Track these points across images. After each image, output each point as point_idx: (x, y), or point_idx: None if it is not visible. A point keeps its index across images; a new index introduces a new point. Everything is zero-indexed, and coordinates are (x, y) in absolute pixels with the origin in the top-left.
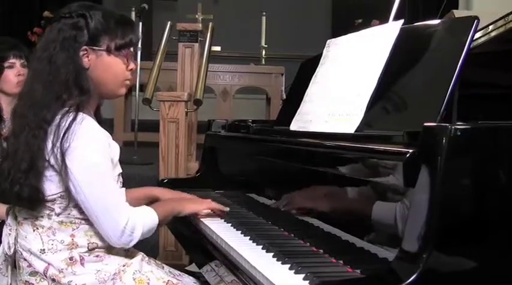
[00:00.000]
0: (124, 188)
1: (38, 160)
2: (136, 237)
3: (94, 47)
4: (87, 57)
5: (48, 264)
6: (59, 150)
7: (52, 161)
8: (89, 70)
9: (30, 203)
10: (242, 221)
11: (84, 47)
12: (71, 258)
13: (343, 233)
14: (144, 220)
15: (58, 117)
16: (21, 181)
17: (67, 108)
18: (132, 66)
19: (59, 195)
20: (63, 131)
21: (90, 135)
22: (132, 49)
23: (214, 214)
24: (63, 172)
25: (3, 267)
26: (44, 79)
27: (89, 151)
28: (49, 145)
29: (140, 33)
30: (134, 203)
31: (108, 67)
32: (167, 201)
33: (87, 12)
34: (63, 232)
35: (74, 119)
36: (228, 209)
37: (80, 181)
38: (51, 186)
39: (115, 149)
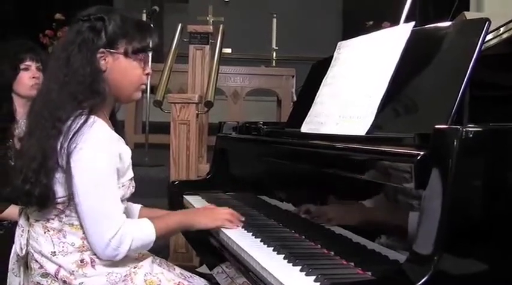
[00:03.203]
0: (140, 205)
1: (49, 160)
2: (123, 252)
3: (111, 50)
4: (105, 59)
5: (59, 266)
6: (65, 151)
7: (60, 162)
8: (106, 73)
9: (40, 202)
10: (253, 223)
11: (102, 50)
12: (81, 261)
13: (354, 235)
14: (135, 235)
15: (71, 119)
16: (32, 180)
17: (80, 110)
18: (148, 70)
19: (68, 197)
20: (72, 133)
21: (98, 140)
22: (149, 53)
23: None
24: (68, 173)
25: (16, 268)
26: (61, 80)
27: (92, 155)
28: (59, 146)
29: (157, 38)
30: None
31: (125, 70)
32: (175, 213)
33: (105, 16)
34: (73, 234)
35: (85, 121)
36: (243, 218)
37: (77, 182)
38: (61, 188)
39: (126, 154)
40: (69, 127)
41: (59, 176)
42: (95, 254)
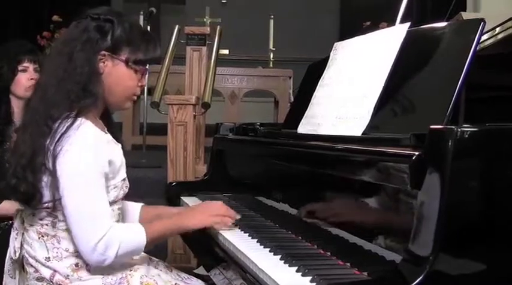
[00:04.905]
0: (141, 204)
1: (37, 157)
2: (111, 257)
3: (113, 55)
4: (104, 62)
5: (54, 270)
6: (51, 153)
7: (47, 164)
8: (102, 76)
9: (24, 199)
10: (250, 224)
11: (103, 52)
12: (76, 265)
13: (350, 236)
14: (124, 239)
15: (58, 121)
16: (19, 176)
17: (68, 113)
18: (143, 82)
19: (58, 201)
20: (58, 135)
21: (84, 142)
22: (148, 66)
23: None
24: (54, 176)
25: (11, 270)
26: (60, 75)
27: (78, 157)
28: (46, 147)
29: (159, 52)
30: (148, 220)
31: (122, 78)
32: (168, 218)
33: (115, 19)
34: (67, 239)
35: (72, 124)
36: (239, 216)
37: (63, 185)
38: (47, 192)
39: (117, 156)
40: (56, 130)
41: (46, 179)
42: None
